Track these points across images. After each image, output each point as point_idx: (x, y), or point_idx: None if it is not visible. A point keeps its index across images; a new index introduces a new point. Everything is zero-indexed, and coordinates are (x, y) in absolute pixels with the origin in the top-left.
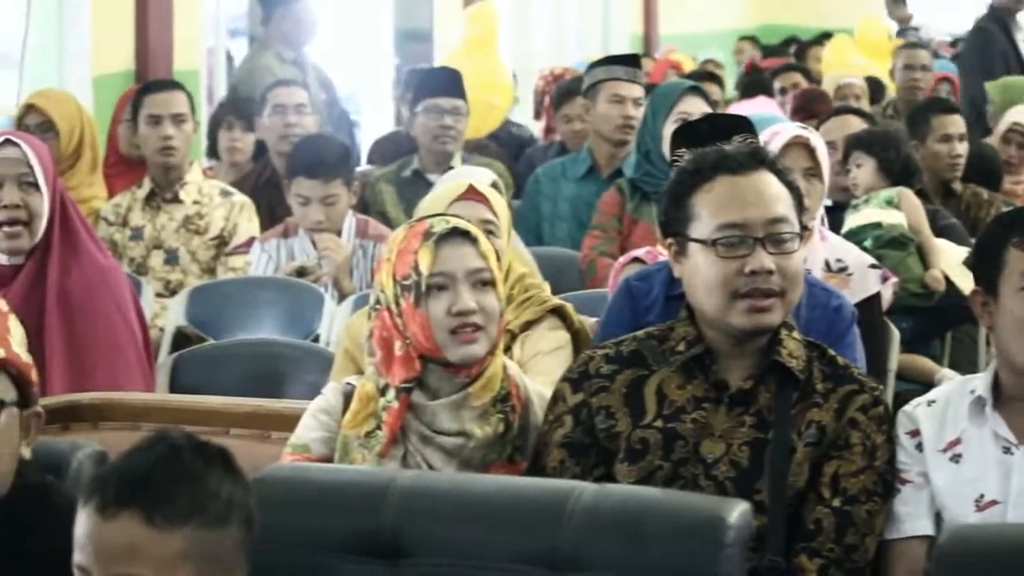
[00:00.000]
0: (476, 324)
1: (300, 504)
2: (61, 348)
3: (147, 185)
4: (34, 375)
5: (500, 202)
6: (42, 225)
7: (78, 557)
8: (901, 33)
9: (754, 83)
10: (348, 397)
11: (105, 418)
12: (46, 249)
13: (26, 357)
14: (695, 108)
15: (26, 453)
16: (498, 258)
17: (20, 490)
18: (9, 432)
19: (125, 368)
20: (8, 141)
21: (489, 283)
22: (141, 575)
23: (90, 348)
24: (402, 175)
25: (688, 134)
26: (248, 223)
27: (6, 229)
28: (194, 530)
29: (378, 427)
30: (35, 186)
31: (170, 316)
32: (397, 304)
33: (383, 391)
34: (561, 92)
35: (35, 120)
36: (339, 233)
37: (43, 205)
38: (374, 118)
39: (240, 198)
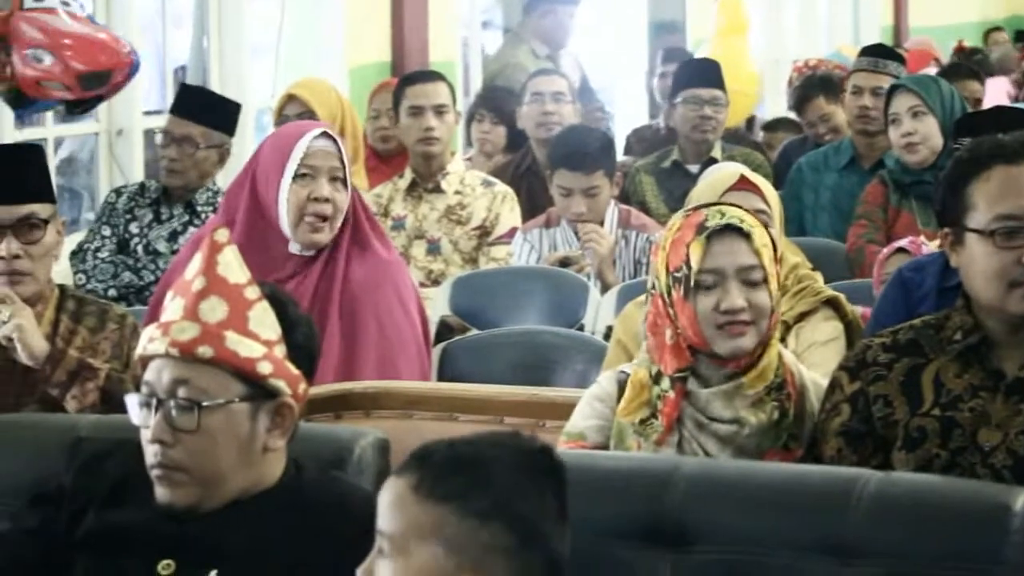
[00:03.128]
0: (745, 320)
1: (584, 491)
2: (341, 341)
3: (408, 175)
4: (265, 367)
5: (772, 192)
6: (340, 220)
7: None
8: None
9: None
10: (622, 385)
11: (378, 406)
12: (337, 242)
13: (278, 349)
14: None
15: (278, 443)
16: (775, 249)
17: (296, 481)
18: (230, 432)
19: (407, 361)
20: (325, 134)
21: (761, 281)
22: (395, 534)
23: (372, 341)
24: (662, 166)
25: (971, 126)
26: (510, 213)
27: (313, 222)
28: (450, 512)
29: (653, 415)
30: (343, 181)
31: (434, 306)
32: (669, 294)
33: (656, 378)
34: (799, 95)
35: (295, 110)
36: (601, 223)
37: (346, 201)
38: (628, 109)
39: (502, 188)
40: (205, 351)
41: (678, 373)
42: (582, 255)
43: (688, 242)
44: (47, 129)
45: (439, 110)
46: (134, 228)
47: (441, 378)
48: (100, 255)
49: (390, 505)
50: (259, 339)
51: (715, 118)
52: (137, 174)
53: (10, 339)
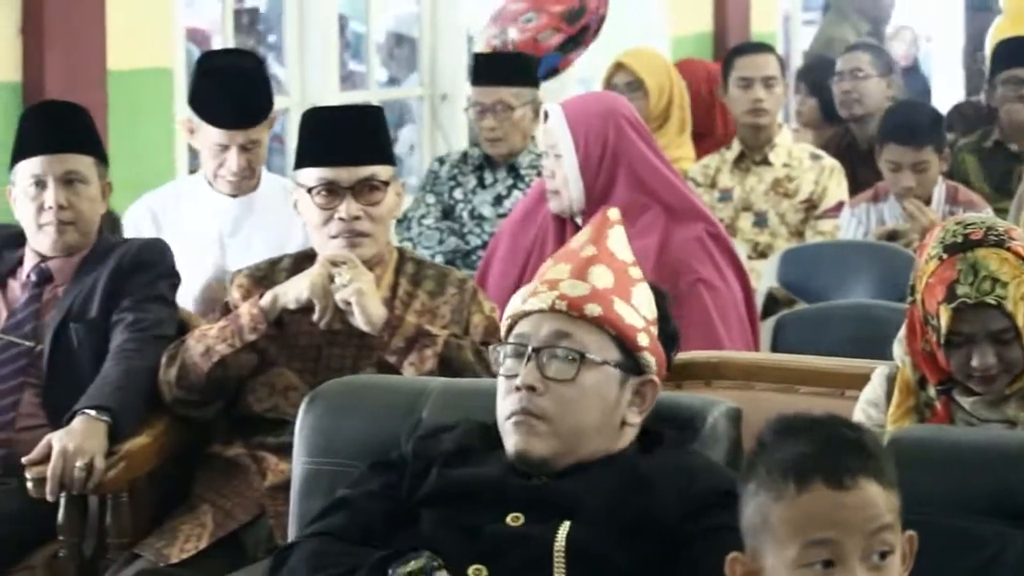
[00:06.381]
0: (995, 374)
1: (934, 465)
2: None
3: (736, 147)
4: (644, 339)
5: None
6: None
7: (821, 533)
8: None
9: None
10: (892, 380)
11: (719, 376)
12: None
13: (653, 328)
14: None
15: (635, 419)
16: None
17: (647, 446)
18: (600, 392)
19: (727, 331)
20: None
21: (1013, 338)
22: (891, 522)
23: (689, 313)
24: (984, 145)
25: None
26: (837, 187)
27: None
28: (894, 493)
29: (920, 422)
30: None
31: (763, 278)
32: (925, 321)
33: (921, 383)
34: None
35: (624, 79)
36: (929, 199)
37: None
38: (945, 86)
39: (830, 162)
40: (593, 308)
41: (940, 386)
42: (910, 229)
43: (939, 301)
44: (370, 93)
45: (768, 82)
46: (458, 194)
47: (775, 350)
48: (425, 222)
49: (874, 509)
50: (639, 313)
51: None
52: (460, 138)
53: (348, 303)
